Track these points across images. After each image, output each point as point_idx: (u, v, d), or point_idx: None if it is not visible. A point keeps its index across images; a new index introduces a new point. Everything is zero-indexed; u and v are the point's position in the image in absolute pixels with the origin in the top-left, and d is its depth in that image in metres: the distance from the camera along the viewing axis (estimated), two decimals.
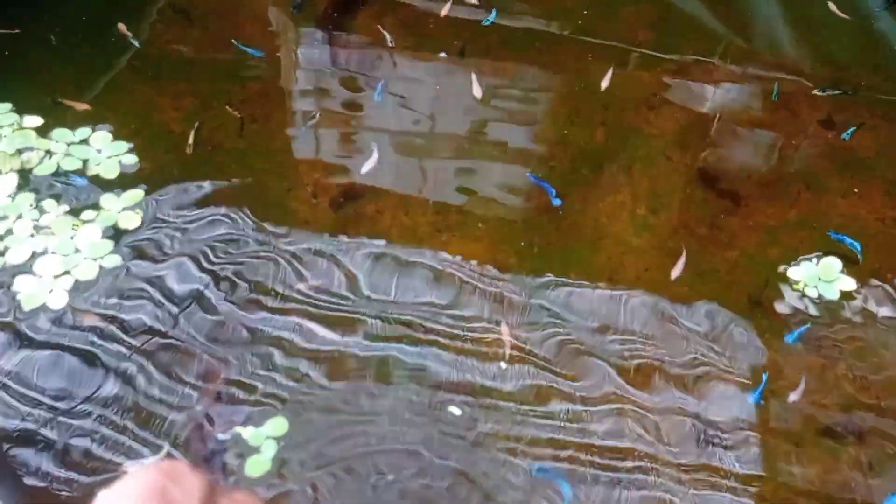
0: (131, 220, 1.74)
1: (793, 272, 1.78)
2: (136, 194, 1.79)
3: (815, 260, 1.80)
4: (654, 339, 1.64)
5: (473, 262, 1.73)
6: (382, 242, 1.75)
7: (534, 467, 1.44)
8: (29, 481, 1.38)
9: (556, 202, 1.85)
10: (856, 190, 1.95)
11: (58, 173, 1.81)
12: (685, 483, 1.45)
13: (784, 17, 2.42)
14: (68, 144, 1.86)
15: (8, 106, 1.92)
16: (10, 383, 1.48)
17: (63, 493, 1.38)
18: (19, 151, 1.83)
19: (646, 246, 1.81)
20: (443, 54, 2.21)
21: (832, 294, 1.75)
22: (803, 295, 1.75)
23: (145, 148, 1.89)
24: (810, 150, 2.05)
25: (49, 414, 1.45)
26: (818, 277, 1.77)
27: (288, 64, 2.18)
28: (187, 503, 0.57)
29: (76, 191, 1.79)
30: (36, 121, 1.90)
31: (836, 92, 2.17)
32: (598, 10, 2.39)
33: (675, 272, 1.76)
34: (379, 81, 2.09)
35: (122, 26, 2.15)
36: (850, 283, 1.77)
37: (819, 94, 2.17)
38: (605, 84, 2.12)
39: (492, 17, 2.30)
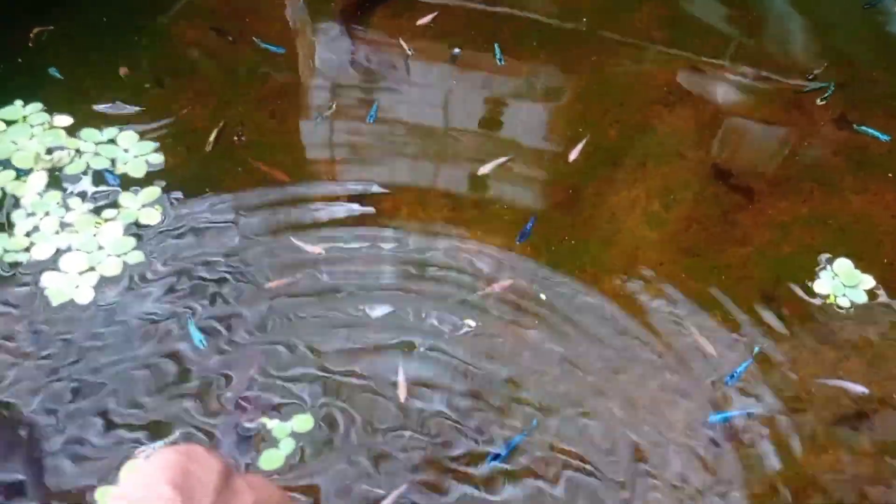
0: (152, 217, 1.69)
1: (818, 287, 1.68)
2: (154, 191, 1.74)
3: (828, 268, 1.71)
4: (667, 332, 1.59)
5: (489, 256, 1.68)
6: (401, 236, 1.71)
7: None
8: (52, 459, 1.35)
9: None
10: (868, 188, 1.88)
11: (87, 172, 1.76)
12: (699, 473, 1.40)
13: (796, 17, 2.33)
14: (96, 144, 1.81)
15: (38, 105, 1.87)
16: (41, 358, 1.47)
17: (89, 469, 1.34)
18: (49, 150, 1.78)
19: (659, 241, 1.75)
20: (457, 51, 2.15)
21: (861, 298, 1.67)
22: (837, 306, 1.66)
23: (169, 145, 1.84)
24: (823, 148, 1.97)
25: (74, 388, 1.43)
26: (843, 285, 1.68)
27: (305, 61, 2.13)
28: (207, 481, 0.57)
29: (103, 189, 1.74)
30: (66, 120, 1.85)
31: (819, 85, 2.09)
32: (612, 8, 2.32)
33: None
34: (374, 104, 2.00)
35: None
36: (870, 281, 1.69)
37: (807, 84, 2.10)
38: (573, 156, 1.92)
39: None
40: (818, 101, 2.06)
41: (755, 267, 1.72)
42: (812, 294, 1.68)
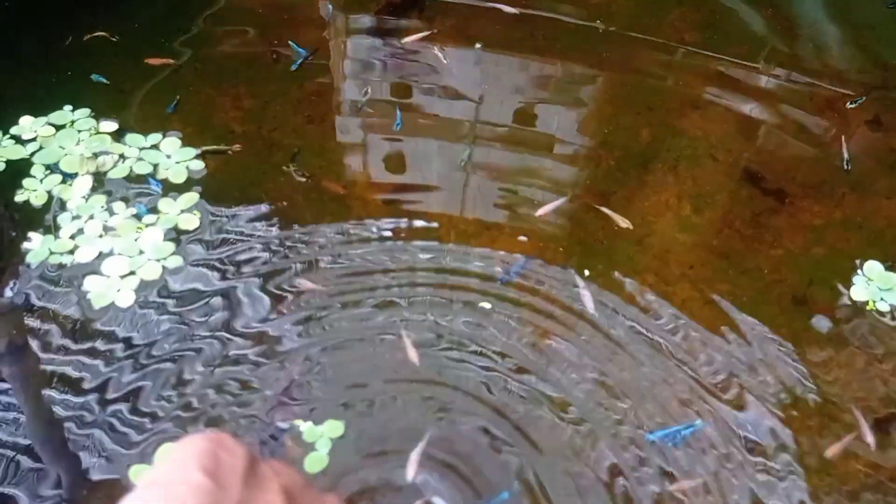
0: (190, 222, 1.68)
1: (855, 294, 1.62)
2: (193, 196, 1.73)
3: (860, 273, 1.65)
4: (697, 335, 1.54)
5: (520, 258, 1.65)
6: (433, 239, 1.68)
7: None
8: (91, 440, 1.35)
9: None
10: None
11: (130, 177, 1.76)
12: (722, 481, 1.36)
13: (830, 19, 2.26)
14: (140, 149, 1.81)
15: (86, 111, 1.88)
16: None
17: (126, 450, 1.34)
18: (95, 155, 1.78)
19: (690, 244, 1.70)
20: (478, 46, 2.12)
21: None
22: (877, 311, 1.60)
23: (208, 150, 1.83)
24: (856, 151, 1.90)
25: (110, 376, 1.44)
26: (878, 288, 1.62)
27: (338, 64, 2.11)
28: (234, 465, 0.57)
29: (145, 194, 1.73)
30: (111, 125, 1.85)
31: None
32: (645, 11, 2.27)
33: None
34: (398, 111, 1.96)
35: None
36: None
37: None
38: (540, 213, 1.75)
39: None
40: (848, 105, 2.00)
41: (787, 271, 1.66)
42: (848, 298, 1.62)
